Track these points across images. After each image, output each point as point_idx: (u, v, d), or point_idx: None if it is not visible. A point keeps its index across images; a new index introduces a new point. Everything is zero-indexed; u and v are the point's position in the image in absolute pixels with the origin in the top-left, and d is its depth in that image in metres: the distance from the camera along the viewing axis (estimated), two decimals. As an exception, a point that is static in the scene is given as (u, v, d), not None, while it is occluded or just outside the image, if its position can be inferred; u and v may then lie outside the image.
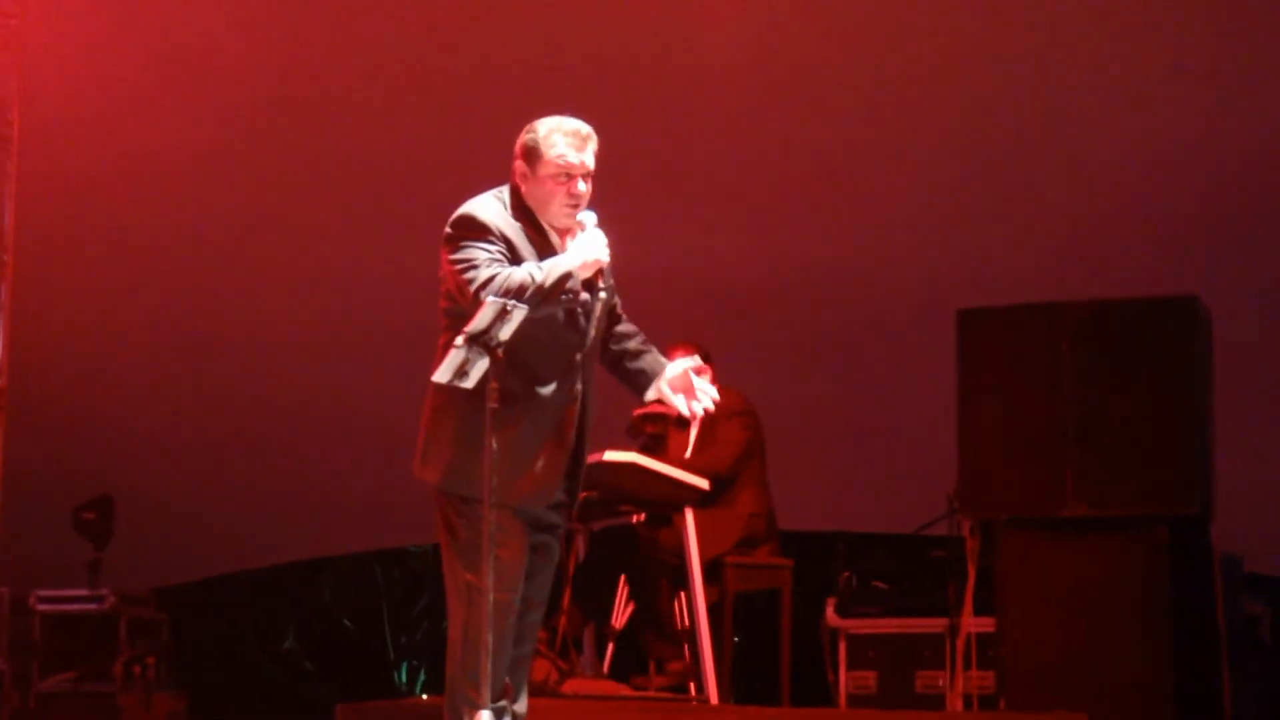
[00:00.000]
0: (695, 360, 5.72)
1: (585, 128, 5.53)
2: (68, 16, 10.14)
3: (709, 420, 8.32)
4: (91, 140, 10.51)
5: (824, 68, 10.26)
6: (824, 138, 10.48)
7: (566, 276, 5.34)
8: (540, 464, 5.45)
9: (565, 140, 5.48)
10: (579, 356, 5.51)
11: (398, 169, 10.58)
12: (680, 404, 5.69)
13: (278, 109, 10.61)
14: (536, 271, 5.33)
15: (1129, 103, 9.96)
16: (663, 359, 5.74)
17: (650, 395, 5.72)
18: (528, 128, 5.54)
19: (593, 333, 5.54)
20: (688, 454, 8.30)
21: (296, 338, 11.48)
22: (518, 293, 5.25)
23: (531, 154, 5.49)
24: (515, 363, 5.27)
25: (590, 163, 5.50)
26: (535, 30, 10.19)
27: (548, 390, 5.44)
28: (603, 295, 5.49)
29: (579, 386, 5.51)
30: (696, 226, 10.69)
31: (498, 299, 5.16)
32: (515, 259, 5.41)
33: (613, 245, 5.49)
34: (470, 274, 5.33)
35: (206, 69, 10.39)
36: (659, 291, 10.11)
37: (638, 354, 5.72)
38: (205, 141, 10.66)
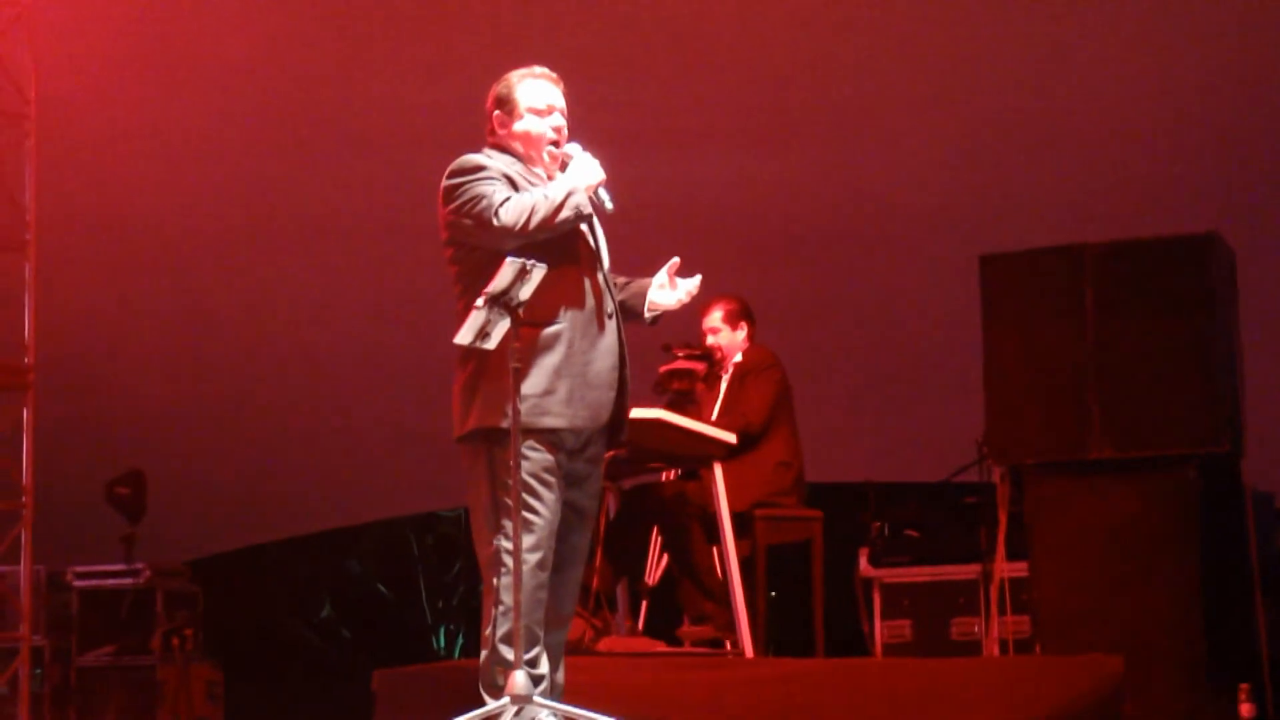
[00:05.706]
0: (675, 262, 5.82)
1: (553, 73, 5.76)
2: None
3: (737, 377, 8.34)
4: (108, 118, 10.50)
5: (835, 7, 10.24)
6: (838, 83, 10.46)
7: (572, 193, 5.48)
8: (598, 379, 5.55)
9: (537, 81, 5.72)
10: (600, 274, 5.64)
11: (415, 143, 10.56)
12: (671, 299, 5.78)
13: (288, 85, 10.59)
14: (547, 190, 5.52)
15: (1146, 42, 9.91)
16: (644, 279, 5.84)
17: (648, 314, 5.81)
18: (496, 83, 5.75)
19: (604, 249, 5.70)
20: (715, 412, 8.30)
21: (323, 307, 11.49)
22: (532, 212, 5.41)
23: (506, 100, 5.71)
24: (549, 288, 5.37)
25: (563, 103, 5.73)
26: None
27: (586, 309, 5.54)
28: (609, 207, 5.60)
29: (610, 305, 5.62)
30: (711, 166, 10.67)
31: (516, 259, 5.18)
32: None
33: (615, 182, 5.62)
34: (483, 204, 5.46)
35: (216, 48, 10.37)
36: (674, 237, 10.12)
37: (624, 285, 5.85)
38: (217, 117, 10.65)
